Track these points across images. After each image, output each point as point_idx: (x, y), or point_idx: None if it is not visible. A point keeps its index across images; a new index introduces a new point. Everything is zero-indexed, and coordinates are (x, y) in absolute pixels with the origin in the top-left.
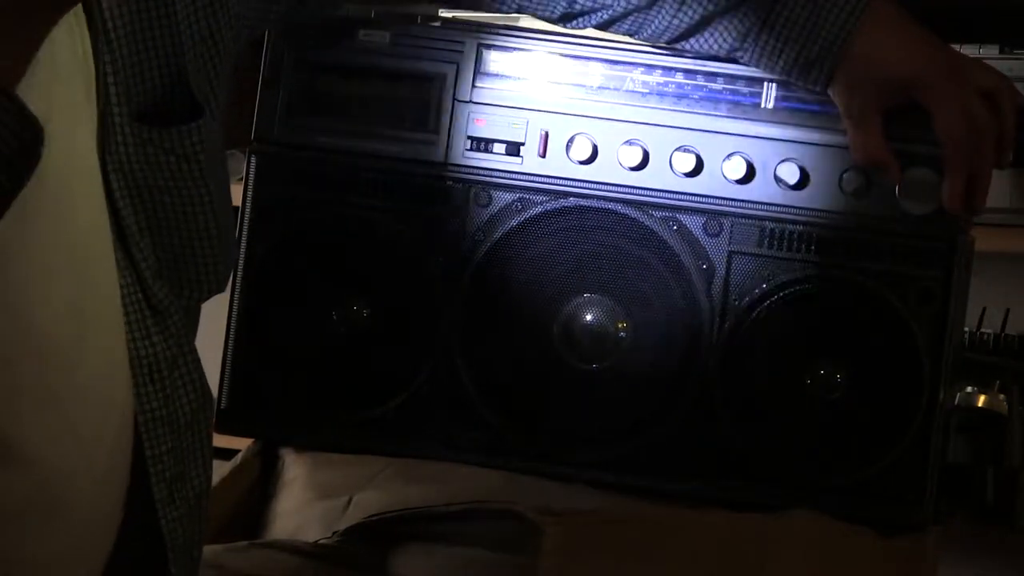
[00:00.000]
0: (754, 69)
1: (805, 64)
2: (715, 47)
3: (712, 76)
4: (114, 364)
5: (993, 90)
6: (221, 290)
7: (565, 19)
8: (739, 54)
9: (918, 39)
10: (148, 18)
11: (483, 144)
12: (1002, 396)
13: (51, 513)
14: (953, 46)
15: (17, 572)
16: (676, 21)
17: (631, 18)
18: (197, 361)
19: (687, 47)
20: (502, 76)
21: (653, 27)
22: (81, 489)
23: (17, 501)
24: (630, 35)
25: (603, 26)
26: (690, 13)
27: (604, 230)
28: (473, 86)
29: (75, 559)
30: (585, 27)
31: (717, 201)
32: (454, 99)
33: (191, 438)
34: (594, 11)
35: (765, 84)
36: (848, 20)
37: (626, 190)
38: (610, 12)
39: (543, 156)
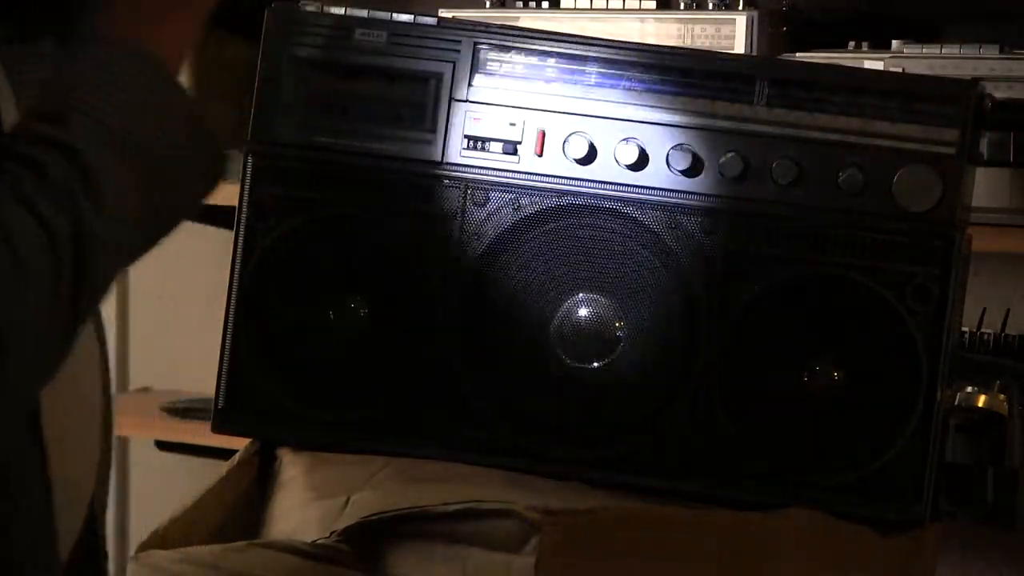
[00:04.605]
0: (750, 67)
1: None
2: None
3: (709, 74)
4: None
5: None
6: None
7: None
8: None
9: None
10: None
11: (480, 143)
12: (1002, 396)
13: None
14: (954, 46)
15: None
16: None
17: None
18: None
19: None
20: (499, 75)
21: None
22: None
23: None
24: None
25: None
26: None
27: (601, 228)
28: (470, 85)
29: None
30: None
31: (714, 199)
32: (451, 98)
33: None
34: None
35: (760, 81)
36: None
37: (623, 188)
38: None
39: (540, 155)
